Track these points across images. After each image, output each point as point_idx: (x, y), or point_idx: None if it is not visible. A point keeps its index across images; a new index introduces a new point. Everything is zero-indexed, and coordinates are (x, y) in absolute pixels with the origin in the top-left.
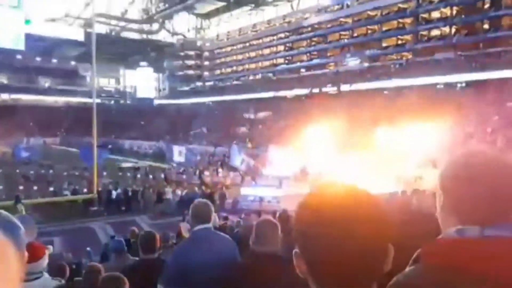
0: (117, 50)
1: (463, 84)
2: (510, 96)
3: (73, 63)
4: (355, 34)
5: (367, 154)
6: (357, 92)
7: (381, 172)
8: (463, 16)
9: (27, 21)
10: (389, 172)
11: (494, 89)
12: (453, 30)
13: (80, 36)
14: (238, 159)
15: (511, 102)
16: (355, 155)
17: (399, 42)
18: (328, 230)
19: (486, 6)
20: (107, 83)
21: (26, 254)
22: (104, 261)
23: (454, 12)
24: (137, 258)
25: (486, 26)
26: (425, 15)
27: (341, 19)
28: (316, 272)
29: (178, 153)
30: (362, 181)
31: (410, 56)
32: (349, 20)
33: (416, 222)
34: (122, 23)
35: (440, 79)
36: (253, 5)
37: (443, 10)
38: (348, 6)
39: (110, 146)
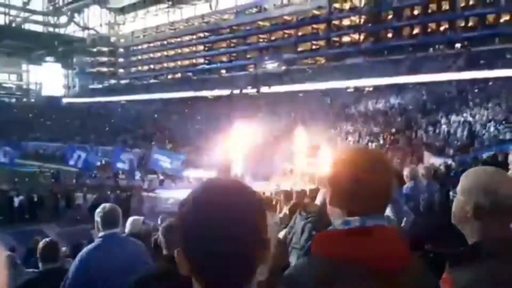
0: (19, 43)
1: (371, 88)
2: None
3: None
4: (273, 38)
5: (284, 155)
6: (276, 94)
7: (285, 169)
8: (370, 24)
9: None
10: (293, 170)
11: (397, 93)
12: (362, 37)
13: None
14: (165, 160)
15: (411, 106)
16: (275, 154)
17: (313, 47)
18: (205, 227)
19: (390, 17)
20: (7, 78)
21: None
22: None
23: (362, 20)
24: (31, 271)
25: (389, 35)
26: (337, 22)
27: (259, 22)
28: (197, 270)
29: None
30: (277, 182)
31: (323, 61)
32: (267, 24)
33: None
34: (25, 14)
35: (350, 83)
36: (170, 3)
37: (352, 18)
38: (265, 9)
39: (8, 149)
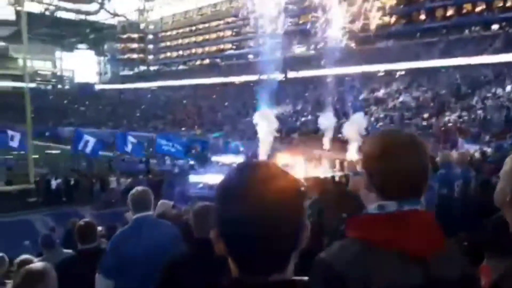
0: (52, 31)
1: (402, 72)
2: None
3: (2, 44)
4: (301, 21)
5: (313, 139)
6: (304, 78)
7: (324, 155)
8: (401, 6)
9: None
10: (332, 156)
11: (430, 77)
12: (393, 20)
13: (10, 15)
14: (167, 144)
15: (444, 90)
16: (301, 141)
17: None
18: (242, 208)
19: None
20: (42, 66)
21: None
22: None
23: (394, 2)
24: (68, 251)
25: (422, 16)
26: (368, 5)
27: (288, 6)
28: (234, 252)
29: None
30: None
31: (353, 45)
32: (295, 7)
33: (350, 202)
34: (57, 3)
35: (381, 67)
36: None
37: (383, 1)
38: None
39: (47, 134)
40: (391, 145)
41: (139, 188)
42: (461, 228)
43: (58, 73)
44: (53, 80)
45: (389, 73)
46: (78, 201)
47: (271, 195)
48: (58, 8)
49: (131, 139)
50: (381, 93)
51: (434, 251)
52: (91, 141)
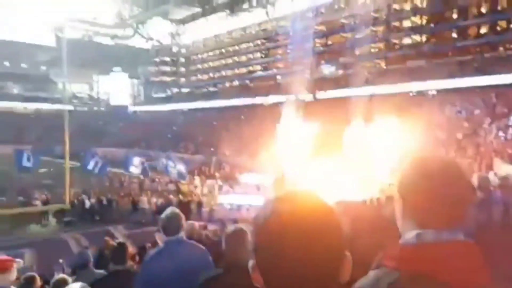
0: (90, 56)
1: (434, 92)
2: (478, 103)
3: (44, 68)
4: (330, 42)
5: (340, 159)
6: (332, 99)
7: (354, 177)
8: (432, 25)
9: None
10: (362, 178)
11: (462, 97)
12: (424, 38)
13: (51, 41)
14: (171, 165)
15: (478, 110)
16: (330, 161)
17: (372, 50)
18: (282, 242)
19: (454, 16)
20: (80, 89)
21: None
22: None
23: (424, 21)
24: (100, 272)
25: (454, 35)
26: (397, 24)
27: (316, 27)
28: (272, 285)
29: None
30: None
31: (383, 64)
32: (324, 28)
33: (384, 229)
34: (95, 28)
35: (412, 87)
36: (228, 11)
37: (413, 19)
38: (322, 13)
39: (82, 154)
40: (428, 170)
41: (170, 211)
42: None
43: (95, 96)
44: (90, 102)
45: (421, 93)
46: (110, 221)
47: (310, 227)
48: (96, 33)
49: (135, 160)
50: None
51: (476, 283)
52: (100, 162)
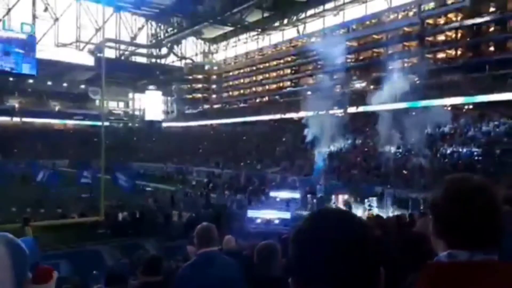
0: (127, 74)
1: (470, 106)
2: None
3: (82, 86)
4: (361, 57)
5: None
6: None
7: (385, 192)
8: (468, 39)
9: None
10: (394, 194)
11: (501, 111)
12: (459, 52)
13: (90, 61)
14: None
15: None
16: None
17: (405, 65)
18: (321, 255)
19: (491, 29)
20: (116, 106)
21: (30, 275)
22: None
23: (459, 35)
24: (135, 283)
25: (491, 48)
26: (431, 38)
27: (347, 43)
28: None
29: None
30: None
31: (416, 79)
32: (355, 44)
33: (417, 247)
34: (132, 48)
35: (447, 101)
36: (259, 30)
37: (448, 33)
38: (353, 29)
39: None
40: (459, 191)
41: (204, 224)
42: None
43: (130, 112)
44: (125, 118)
45: (456, 107)
46: (143, 234)
47: (347, 241)
48: (132, 53)
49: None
50: (447, 128)
51: None
52: (123, 179)
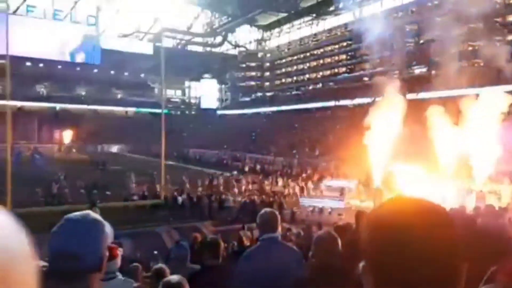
0: (183, 63)
1: None
2: None
3: (142, 75)
4: (421, 41)
5: (432, 165)
6: (422, 100)
7: (448, 184)
8: None
9: None
10: (457, 185)
11: None
12: None
13: (149, 50)
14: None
15: None
16: (419, 166)
17: (470, 48)
18: (406, 243)
19: None
20: (173, 94)
21: (107, 253)
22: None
23: None
24: (194, 266)
25: None
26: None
27: (406, 26)
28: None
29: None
30: (427, 194)
31: (482, 63)
32: (415, 27)
33: (483, 241)
34: (188, 37)
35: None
36: (314, 15)
37: None
38: (412, 12)
39: (175, 154)
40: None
41: (268, 210)
42: None
43: (187, 100)
44: (182, 106)
45: None
46: (199, 217)
47: (432, 229)
48: (189, 42)
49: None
50: None
51: None
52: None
